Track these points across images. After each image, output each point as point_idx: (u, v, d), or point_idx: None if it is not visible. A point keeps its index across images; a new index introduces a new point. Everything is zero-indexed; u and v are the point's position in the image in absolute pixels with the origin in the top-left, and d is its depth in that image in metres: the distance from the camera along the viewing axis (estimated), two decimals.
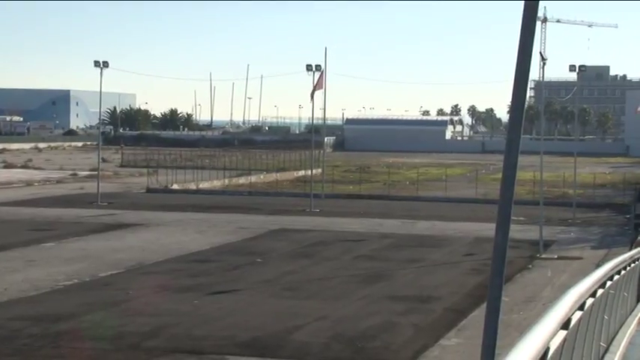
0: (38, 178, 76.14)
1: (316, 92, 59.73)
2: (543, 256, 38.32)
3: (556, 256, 38.43)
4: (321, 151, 75.99)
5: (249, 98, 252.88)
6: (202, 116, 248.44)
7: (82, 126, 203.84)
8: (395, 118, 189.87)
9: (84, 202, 56.05)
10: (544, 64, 46.49)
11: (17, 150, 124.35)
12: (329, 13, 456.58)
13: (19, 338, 21.75)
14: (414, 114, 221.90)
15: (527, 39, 5.71)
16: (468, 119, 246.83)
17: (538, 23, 41.78)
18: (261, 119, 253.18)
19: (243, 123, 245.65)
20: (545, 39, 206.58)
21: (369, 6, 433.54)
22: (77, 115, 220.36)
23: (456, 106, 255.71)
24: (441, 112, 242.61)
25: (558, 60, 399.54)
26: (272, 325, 23.58)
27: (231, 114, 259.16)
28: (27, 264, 33.09)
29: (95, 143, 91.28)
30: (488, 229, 36.92)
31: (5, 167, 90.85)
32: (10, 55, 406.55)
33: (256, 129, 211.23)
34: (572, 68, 53.99)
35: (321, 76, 59.26)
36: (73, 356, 20.38)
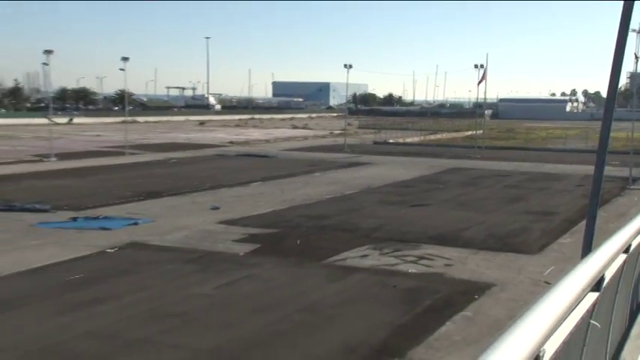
0: (311, 135, 78.47)
1: (481, 83, 57.95)
2: (632, 187, 35.16)
3: None
4: (483, 119, 73.42)
5: (437, 86, 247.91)
6: (408, 97, 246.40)
7: (336, 104, 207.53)
8: (532, 97, 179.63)
9: (337, 149, 57.24)
10: (637, 61, 42.03)
11: (299, 118, 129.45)
12: (492, 29, 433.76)
13: (301, 227, 22.87)
14: (545, 95, 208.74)
15: (623, 34, 5.31)
16: (582, 98, 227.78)
17: (635, 31, 37.91)
18: (445, 99, 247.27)
19: (433, 101, 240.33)
20: None
21: (524, 18, 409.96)
22: (334, 97, 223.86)
23: (574, 89, 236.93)
24: (563, 94, 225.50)
25: None
26: (450, 226, 23.36)
27: (426, 95, 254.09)
28: (304, 185, 34.40)
29: (344, 114, 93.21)
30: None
31: (293, 128, 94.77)
32: (293, 59, 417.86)
33: (442, 105, 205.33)
34: None
35: (484, 73, 57.32)
36: (332, 239, 21.23)
